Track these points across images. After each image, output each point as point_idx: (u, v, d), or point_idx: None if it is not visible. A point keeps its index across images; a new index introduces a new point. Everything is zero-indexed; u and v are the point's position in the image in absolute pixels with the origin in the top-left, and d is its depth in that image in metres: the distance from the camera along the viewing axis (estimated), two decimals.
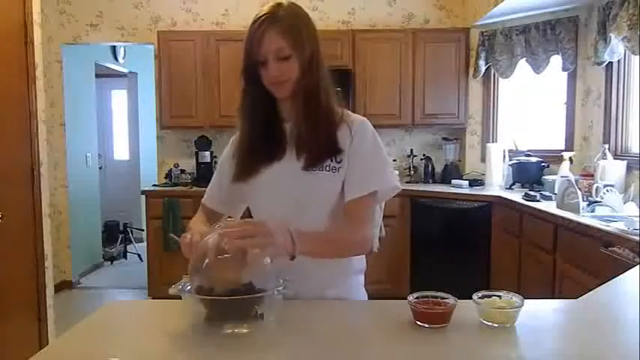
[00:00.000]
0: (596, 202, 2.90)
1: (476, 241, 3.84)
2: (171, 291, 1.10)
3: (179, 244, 1.14)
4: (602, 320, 1.17)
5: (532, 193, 3.40)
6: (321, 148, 1.26)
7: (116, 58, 5.86)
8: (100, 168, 5.91)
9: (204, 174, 4.53)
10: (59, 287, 4.52)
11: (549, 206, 3.07)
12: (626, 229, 2.33)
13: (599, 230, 2.42)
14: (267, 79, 1.25)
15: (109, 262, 5.75)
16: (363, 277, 1.42)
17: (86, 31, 4.70)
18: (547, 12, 3.89)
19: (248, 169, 1.31)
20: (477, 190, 4.06)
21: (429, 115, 4.48)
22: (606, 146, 3.30)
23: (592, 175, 3.22)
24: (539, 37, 3.93)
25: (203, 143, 4.59)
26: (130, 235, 6.07)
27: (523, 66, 4.11)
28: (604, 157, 3.25)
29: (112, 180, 6.70)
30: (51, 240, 2.92)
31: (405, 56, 4.41)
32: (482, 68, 4.35)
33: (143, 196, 4.45)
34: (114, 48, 5.75)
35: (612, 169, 3.17)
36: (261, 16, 1.22)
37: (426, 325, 1.07)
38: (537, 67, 3.96)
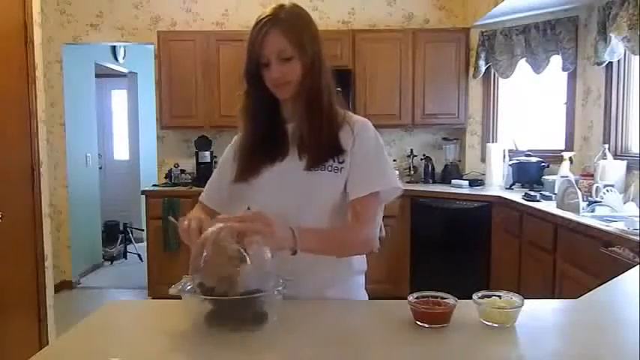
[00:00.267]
0: (596, 202, 2.90)
1: (476, 241, 3.84)
2: (172, 291, 1.10)
3: (177, 230, 1.16)
4: (602, 320, 1.17)
5: (532, 193, 3.40)
6: (324, 148, 1.26)
7: (116, 58, 5.86)
8: (100, 168, 5.91)
9: (204, 174, 4.53)
10: (59, 287, 4.52)
11: (549, 206, 3.07)
12: (626, 229, 2.33)
13: (599, 230, 2.42)
14: (270, 81, 1.25)
15: (109, 262, 5.75)
16: (363, 277, 1.43)
17: (86, 31, 4.70)
18: (547, 12, 3.89)
19: (250, 169, 1.31)
20: (477, 190, 4.06)
21: (429, 115, 4.48)
22: (606, 146, 3.30)
23: (592, 175, 3.22)
24: (539, 37, 3.93)
25: (203, 143, 4.59)
26: (130, 235, 6.06)
27: (523, 66, 4.11)
28: (604, 157, 3.25)
29: (112, 180, 6.70)
30: (51, 240, 2.92)
31: (405, 56, 4.41)
32: (482, 68, 4.35)
33: (143, 196, 4.45)
34: (114, 48, 5.75)
35: (612, 169, 3.17)
36: (263, 18, 1.22)
37: (426, 325, 1.07)
38: (537, 67, 3.96)
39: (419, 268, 4.15)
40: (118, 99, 6.81)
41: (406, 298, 1.10)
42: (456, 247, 3.99)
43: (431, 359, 0.97)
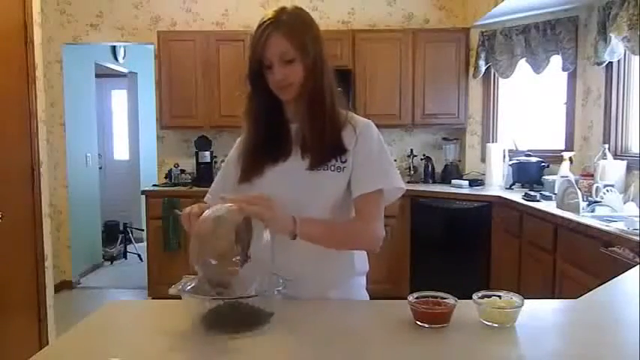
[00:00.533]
0: (596, 202, 2.90)
1: (476, 241, 3.84)
2: (171, 291, 1.10)
3: (179, 221, 1.17)
4: (602, 320, 1.17)
5: (532, 193, 3.40)
6: (326, 148, 1.28)
7: (116, 58, 5.86)
8: (100, 168, 5.91)
9: (204, 174, 4.53)
10: (59, 287, 4.52)
11: (549, 206, 3.07)
12: (626, 229, 2.33)
13: (599, 230, 2.42)
14: (272, 83, 1.26)
15: (109, 262, 5.75)
16: (364, 278, 1.43)
17: (86, 31, 4.70)
18: (547, 12, 3.89)
19: (253, 169, 1.32)
20: (477, 190, 4.06)
21: (429, 115, 4.48)
22: (606, 146, 3.30)
23: (592, 175, 3.22)
24: (539, 37, 3.92)
25: (203, 143, 4.59)
26: (130, 235, 6.06)
27: (523, 66, 4.11)
28: (604, 157, 3.25)
29: (112, 180, 6.70)
30: (51, 240, 2.92)
31: (405, 56, 4.41)
32: (482, 68, 4.35)
33: (143, 196, 4.45)
34: (114, 48, 5.75)
35: (612, 169, 3.17)
36: (265, 21, 1.24)
37: (426, 325, 1.07)
38: (537, 67, 3.96)
39: (419, 268, 4.15)
40: (118, 99, 6.81)
41: (406, 298, 1.10)
42: (456, 247, 3.99)
43: (431, 359, 0.97)
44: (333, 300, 1.31)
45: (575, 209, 2.81)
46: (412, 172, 4.66)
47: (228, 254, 1.08)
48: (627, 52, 3.24)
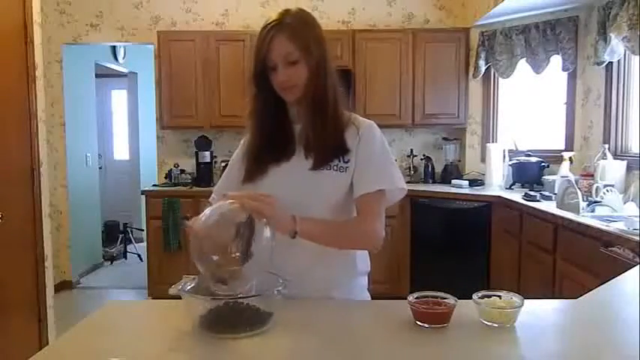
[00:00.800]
0: (596, 202, 2.90)
1: (476, 241, 3.84)
2: (171, 291, 1.10)
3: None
4: (602, 320, 1.17)
5: (532, 193, 3.40)
6: (329, 148, 1.29)
7: (116, 58, 5.86)
8: (100, 168, 5.91)
9: (204, 174, 4.53)
10: (59, 287, 4.52)
11: (549, 206, 3.07)
12: (626, 229, 2.33)
13: (599, 230, 2.42)
14: (277, 84, 1.28)
15: (109, 262, 5.75)
16: (366, 279, 1.44)
17: (86, 31, 4.70)
18: (547, 12, 3.89)
19: (257, 169, 1.33)
20: (476, 190, 4.06)
21: (429, 115, 4.48)
22: (606, 146, 3.30)
23: (592, 175, 3.22)
24: (539, 37, 3.92)
25: (203, 143, 4.59)
26: (130, 235, 6.07)
27: (523, 66, 4.11)
28: (604, 157, 3.25)
29: (112, 180, 6.70)
30: (51, 240, 2.92)
31: (405, 56, 4.41)
32: (482, 68, 4.35)
33: (143, 196, 4.45)
34: (114, 48, 5.75)
35: (612, 169, 3.17)
36: (269, 23, 1.25)
37: (426, 325, 1.07)
38: (537, 67, 3.96)
39: (419, 268, 4.15)
40: (118, 99, 6.81)
41: (406, 298, 1.10)
42: (456, 247, 3.99)
43: (431, 359, 0.97)
44: (333, 300, 1.31)
45: (575, 209, 2.81)
46: (412, 172, 4.66)
47: (229, 249, 1.09)
48: (627, 52, 3.24)
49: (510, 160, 4.05)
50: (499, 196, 3.69)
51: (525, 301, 1.08)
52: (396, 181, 1.32)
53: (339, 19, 4.69)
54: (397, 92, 4.44)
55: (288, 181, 1.30)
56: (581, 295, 1.29)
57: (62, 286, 4.70)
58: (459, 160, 4.67)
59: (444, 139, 4.66)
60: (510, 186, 3.99)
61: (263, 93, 1.31)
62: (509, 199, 3.51)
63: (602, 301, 1.29)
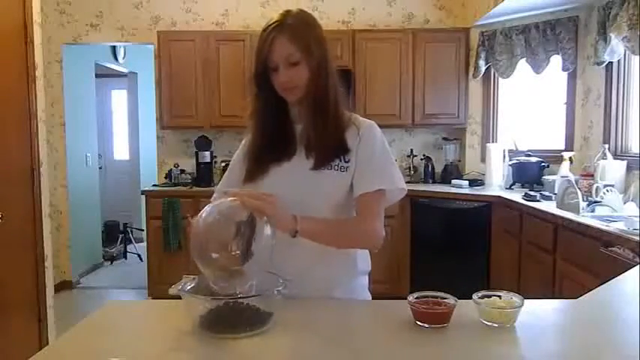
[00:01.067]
0: (596, 202, 2.90)
1: (476, 241, 3.84)
2: (171, 291, 1.10)
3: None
4: (602, 320, 1.17)
5: (532, 193, 3.40)
6: (330, 148, 1.30)
7: (116, 58, 5.86)
8: (100, 168, 5.91)
9: (204, 174, 4.53)
10: (59, 287, 4.52)
11: (549, 206, 3.07)
12: (626, 229, 2.33)
13: (599, 230, 2.42)
14: (278, 85, 1.28)
15: (109, 262, 5.75)
16: (367, 278, 1.44)
17: (86, 31, 4.70)
18: (547, 12, 3.89)
19: (258, 168, 1.33)
20: (476, 190, 4.06)
21: (429, 115, 4.48)
22: (606, 146, 3.30)
23: (592, 175, 3.22)
24: (539, 37, 3.92)
25: (203, 143, 4.59)
26: (130, 235, 6.07)
27: (523, 66, 4.10)
28: (604, 157, 3.25)
29: (112, 180, 6.70)
30: (51, 240, 2.92)
31: (405, 56, 4.41)
32: (482, 68, 4.35)
33: (143, 196, 4.45)
34: (114, 48, 5.75)
35: (612, 169, 3.17)
36: (271, 24, 1.25)
37: (426, 325, 1.07)
38: (537, 67, 3.96)
39: (419, 268, 4.15)
40: (118, 99, 6.81)
41: (406, 298, 1.10)
42: (456, 246, 3.99)
43: (431, 359, 0.97)
44: (334, 299, 1.31)
45: (575, 209, 2.81)
46: (412, 172, 4.66)
47: (229, 248, 1.09)
48: (627, 52, 3.24)
49: (510, 160, 4.05)
50: (499, 196, 3.69)
51: (525, 301, 1.08)
52: (396, 181, 1.32)
53: (339, 19, 4.69)
54: (397, 92, 4.44)
55: (290, 180, 1.30)
56: (581, 295, 1.29)
57: (62, 286, 4.70)
58: (459, 160, 4.67)
59: (444, 139, 4.66)
60: (510, 186, 3.99)
61: (264, 93, 1.31)
62: (509, 199, 3.51)
63: (602, 301, 1.29)
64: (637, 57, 3.18)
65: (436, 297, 1.11)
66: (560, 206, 3.00)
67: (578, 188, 2.96)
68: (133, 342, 1.06)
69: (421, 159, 4.68)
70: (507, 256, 3.50)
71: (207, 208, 1.11)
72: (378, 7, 4.68)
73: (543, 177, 3.74)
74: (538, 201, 3.27)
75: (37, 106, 2.71)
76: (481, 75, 4.38)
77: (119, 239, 6.02)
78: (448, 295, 1.11)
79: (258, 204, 1.11)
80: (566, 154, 3.62)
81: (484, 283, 3.70)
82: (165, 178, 4.67)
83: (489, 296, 1.11)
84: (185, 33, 4.53)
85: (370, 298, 1.43)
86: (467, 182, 4.23)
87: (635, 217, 2.52)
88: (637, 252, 2.11)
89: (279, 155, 1.32)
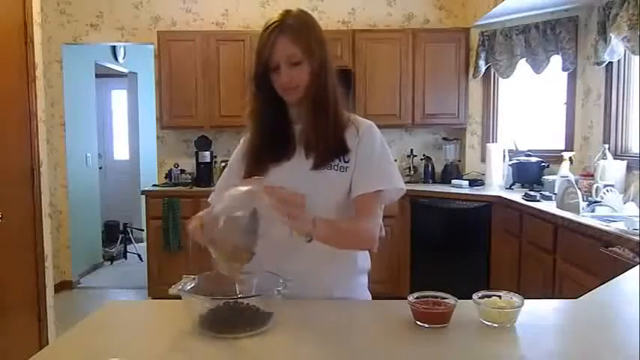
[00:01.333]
0: (596, 202, 2.90)
1: (476, 241, 3.84)
2: (172, 291, 1.10)
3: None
4: (602, 320, 1.17)
5: (532, 193, 3.40)
6: (330, 148, 1.30)
7: (116, 58, 5.86)
8: (100, 168, 5.91)
9: (204, 174, 4.53)
10: (59, 287, 4.52)
11: (549, 206, 3.07)
12: (626, 229, 2.33)
13: (599, 230, 2.42)
14: (279, 85, 1.28)
15: (109, 262, 5.75)
16: (367, 277, 1.45)
17: (86, 31, 4.70)
18: (547, 12, 3.89)
19: (257, 169, 1.33)
20: (476, 190, 4.06)
21: (429, 115, 4.48)
22: (606, 146, 3.30)
23: (592, 175, 3.22)
24: (539, 37, 3.92)
25: (203, 143, 4.59)
26: (130, 235, 6.07)
27: (523, 66, 4.11)
28: (604, 157, 3.25)
29: (112, 180, 6.70)
30: (51, 240, 2.92)
31: (405, 56, 4.41)
32: (482, 68, 4.35)
33: (143, 196, 4.45)
34: (114, 48, 5.75)
35: (612, 169, 3.17)
36: (272, 24, 1.25)
37: (426, 325, 1.07)
38: (537, 67, 3.96)
39: (419, 268, 4.15)
40: (118, 99, 6.81)
41: (406, 298, 1.10)
42: (456, 247, 3.99)
43: (431, 359, 0.97)
44: (334, 299, 1.31)
45: (575, 209, 2.81)
46: (412, 172, 4.66)
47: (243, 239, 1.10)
48: (627, 52, 3.24)
49: (510, 160, 4.05)
50: (499, 196, 3.69)
51: (525, 301, 1.08)
52: (395, 181, 1.32)
53: (339, 19, 4.69)
54: (397, 92, 4.44)
55: (290, 180, 1.30)
56: (581, 295, 1.29)
57: (62, 286, 4.70)
58: (459, 160, 4.67)
59: (444, 139, 4.66)
60: (510, 186, 3.99)
61: (263, 93, 1.31)
62: (509, 199, 3.51)
63: (602, 301, 1.29)
64: (637, 57, 3.18)
65: (436, 297, 1.11)
66: (560, 206, 3.00)
67: (578, 188, 2.96)
68: (133, 342, 1.06)
69: (421, 159, 4.68)
70: (507, 256, 3.50)
71: (219, 210, 1.09)
72: (378, 7, 4.68)
73: (543, 177, 3.74)
74: (538, 201, 3.27)
75: (37, 106, 2.71)
76: (481, 75, 4.38)
77: (119, 239, 6.02)
78: (448, 295, 1.11)
79: (288, 212, 1.08)
80: (566, 154, 3.62)
81: (484, 283, 3.70)
82: (166, 178, 4.67)
83: (489, 296, 1.11)
84: (185, 33, 4.53)
85: (370, 297, 1.43)
86: (467, 182, 4.23)
87: (635, 217, 2.52)
88: (637, 252, 2.11)
89: (278, 155, 1.32)
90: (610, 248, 2.30)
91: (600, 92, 3.56)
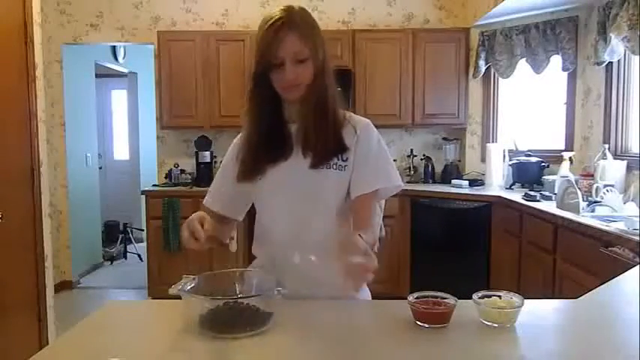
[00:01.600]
0: (596, 202, 2.90)
1: (476, 241, 3.84)
2: (171, 291, 1.11)
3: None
4: (602, 320, 1.17)
5: (532, 193, 3.40)
6: (328, 147, 1.29)
7: (116, 58, 5.86)
8: (100, 168, 5.90)
9: (204, 174, 4.53)
10: (59, 287, 4.52)
11: (549, 206, 3.07)
12: (626, 229, 2.33)
13: (599, 230, 2.42)
14: (282, 82, 1.26)
15: (109, 262, 5.75)
16: None
17: (86, 31, 4.70)
18: (547, 12, 3.89)
19: (254, 168, 1.33)
20: (476, 190, 4.06)
21: (429, 115, 4.48)
22: (606, 146, 3.30)
23: (592, 175, 3.22)
24: (539, 37, 3.92)
25: (203, 143, 4.59)
26: (130, 235, 6.06)
27: (523, 66, 4.10)
28: (604, 157, 3.25)
29: (112, 180, 6.70)
30: (51, 240, 2.92)
31: (405, 56, 4.41)
32: (482, 68, 4.35)
33: (143, 196, 4.45)
34: (114, 48, 5.75)
35: (612, 169, 3.17)
36: (276, 20, 1.23)
37: (426, 325, 1.07)
38: (537, 67, 3.96)
39: (419, 268, 4.15)
40: (118, 99, 6.81)
41: (406, 298, 1.10)
42: (456, 247, 3.98)
43: (431, 359, 0.97)
44: (333, 300, 1.31)
45: (575, 209, 2.81)
46: (412, 172, 4.66)
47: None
48: (627, 52, 3.24)
49: (510, 160, 4.05)
50: (499, 196, 3.69)
51: (525, 301, 1.08)
52: (393, 178, 1.33)
53: (339, 19, 4.69)
54: (397, 92, 4.44)
55: (289, 179, 1.30)
56: (581, 295, 1.28)
57: (62, 286, 4.70)
58: (459, 160, 4.67)
59: (444, 139, 4.66)
60: (510, 186, 3.99)
61: (262, 91, 1.30)
62: (509, 199, 3.51)
63: (602, 301, 1.29)
64: (637, 57, 3.18)
65: (436, 297, 1.11)
66: (560, 206, 3.00)
67: (578, 188, 2.96)
68: (133, 342, 1.06)
69: (421, 159, 4.68)
70: (507, 256, 3.50)
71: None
72: (378, 7, 4.68)
73: (543, 177, 3.74)
74: (538, 201, 3.27)
75: (37, 106, 2.71)
76: (481, 75, 4.38)
77: (119, 239, 6.02)
78: (448, 295, 1.10)
79: (368, 279, 1.03)
80: (566, 154, 3.62)
81: (484, 283, 3.70)
82: (166, 178, 4.67)
83: (489, 296, 1.11)
84: (185, 33, 4.53)
85: (370, 297, 1.43)
86: (467, 182, 4.23)
87: (635, 217, 2.52)
88: (637, 252, 2.11)
89: (274, 155, 1.32)
90: (610, 248, 2.30)
91: (600, 92, 3.56)
